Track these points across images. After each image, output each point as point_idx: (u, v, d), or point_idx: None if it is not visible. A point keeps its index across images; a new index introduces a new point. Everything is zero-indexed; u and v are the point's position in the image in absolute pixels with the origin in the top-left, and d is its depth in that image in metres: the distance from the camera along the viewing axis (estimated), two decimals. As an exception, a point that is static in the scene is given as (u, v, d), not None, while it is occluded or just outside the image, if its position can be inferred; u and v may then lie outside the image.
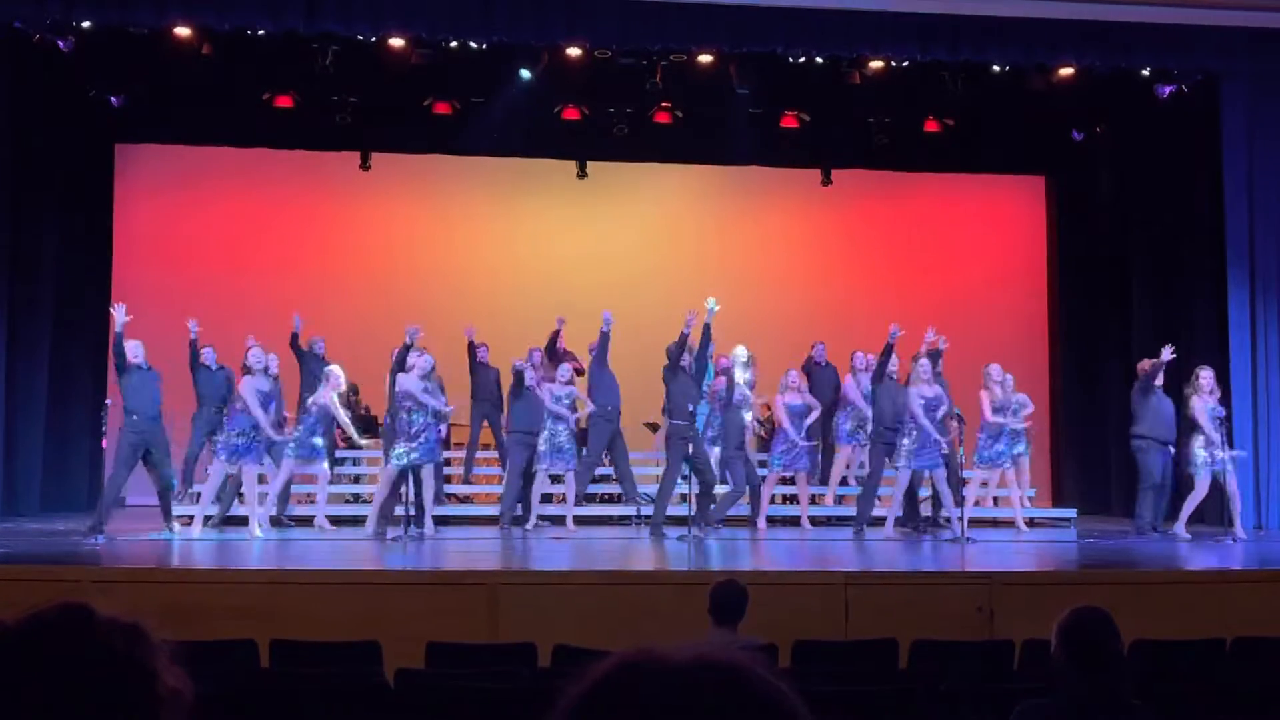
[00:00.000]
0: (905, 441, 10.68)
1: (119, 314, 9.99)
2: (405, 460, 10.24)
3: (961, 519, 10.36)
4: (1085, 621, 3.45)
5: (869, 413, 11.64)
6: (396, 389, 10.45)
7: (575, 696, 1.12)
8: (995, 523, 12.22)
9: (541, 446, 11.29)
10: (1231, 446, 10.84)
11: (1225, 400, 11.15)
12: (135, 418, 10.01)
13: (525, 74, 12.84)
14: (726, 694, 1.10)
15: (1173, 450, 10.98)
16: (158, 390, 10.17)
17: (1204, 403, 10.65)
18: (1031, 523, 11.90)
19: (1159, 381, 11.07)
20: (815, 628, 6.89)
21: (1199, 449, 10.61)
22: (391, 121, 14.28)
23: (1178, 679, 5.34)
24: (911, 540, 10.75)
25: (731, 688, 1.11)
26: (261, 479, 10.89)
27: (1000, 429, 11.34)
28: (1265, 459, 11.80)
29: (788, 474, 11.70)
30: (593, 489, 12.86)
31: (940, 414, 10.79)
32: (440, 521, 11.17)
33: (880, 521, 11.06)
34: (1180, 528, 10.79)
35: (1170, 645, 5.96)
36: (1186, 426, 10.81)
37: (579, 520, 11.72)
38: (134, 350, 10.06)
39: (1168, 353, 10.94)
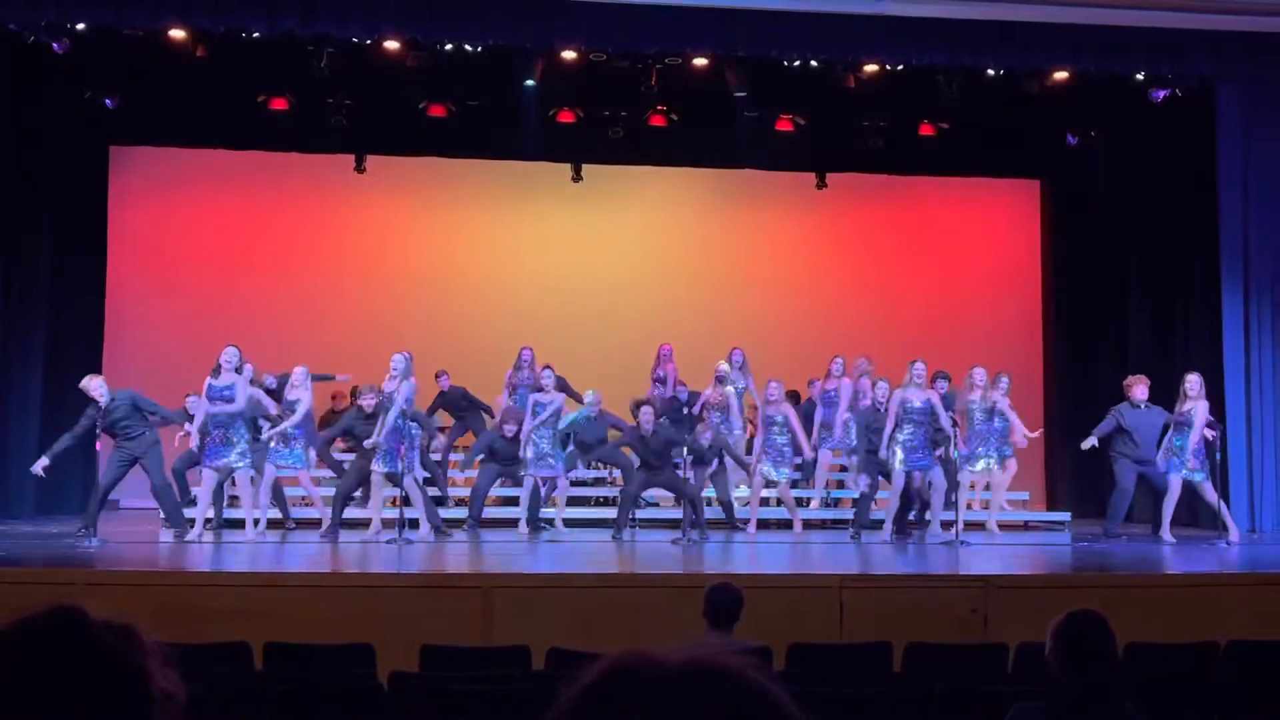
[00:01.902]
0: (900, 438, 10.68)
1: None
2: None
3: (956, 522, 10.36)
4: (1080, 624, 3.46)
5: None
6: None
7: (569, 700, 1.12)
8: (983, 526, 12.22)
9: (527, 454, 11.31)
10: (1216, 456, 10.71)
11: (1219, 405, 11.17)
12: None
13: (530, 83, 12.90)
14: (720, 698, 1.10)
15: (1149, 463, 10.98)
16: (126, 409, 10.26)
17: (1177, 408, 10.75)
18: (1026, 526, 11.90)
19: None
20: (810, 630, 6.90)
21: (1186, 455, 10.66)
22: (386, 124, 14.24)
23: (1172, 682, 5.35)
24: (906, 543, 10.74)
25: (724, 691, 1.11)
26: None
27: (974, 433, 11.40)
28: (1259, 463, 11.79)
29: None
30: (588, 492, 12.87)
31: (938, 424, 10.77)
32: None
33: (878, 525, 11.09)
34: (1164, 532, 10.77)
35: (1164, 648, 5.97)
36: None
37: (572, 523, 11.73)
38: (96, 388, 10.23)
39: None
